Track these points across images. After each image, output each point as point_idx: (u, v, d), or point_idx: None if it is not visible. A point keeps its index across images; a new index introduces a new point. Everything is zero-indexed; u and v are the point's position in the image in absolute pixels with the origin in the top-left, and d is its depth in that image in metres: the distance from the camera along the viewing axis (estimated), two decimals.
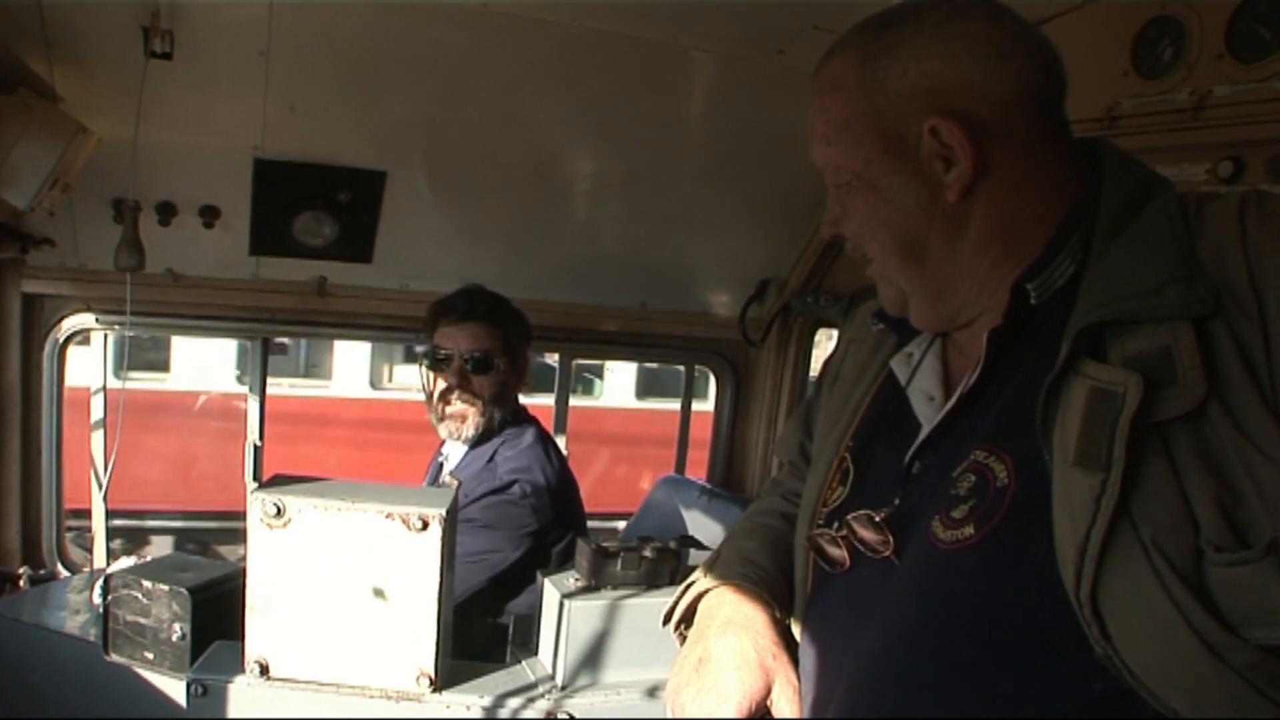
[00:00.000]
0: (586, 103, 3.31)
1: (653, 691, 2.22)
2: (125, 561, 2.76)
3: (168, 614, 2.26)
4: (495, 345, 3.25)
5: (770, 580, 1.65)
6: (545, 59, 3.11)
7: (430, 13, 2.88)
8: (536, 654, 2.36)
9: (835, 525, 1.47)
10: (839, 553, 1.46)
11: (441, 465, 3.51)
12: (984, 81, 1.32)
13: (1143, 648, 1.08)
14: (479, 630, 2.86)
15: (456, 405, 3.26)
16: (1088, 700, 1.13)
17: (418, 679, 2.07)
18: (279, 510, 2.01)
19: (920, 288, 1.41)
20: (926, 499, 1.35)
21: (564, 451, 3.59)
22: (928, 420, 1.42)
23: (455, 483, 3.16)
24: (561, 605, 2.25)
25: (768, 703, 1.50)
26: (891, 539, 1.37)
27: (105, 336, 3.63)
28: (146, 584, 2.27)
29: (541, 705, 2.16)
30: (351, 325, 3.81)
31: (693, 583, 1.72)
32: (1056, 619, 1.14)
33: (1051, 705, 1.16)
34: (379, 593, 2.02)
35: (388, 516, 2.02)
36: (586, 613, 2.24)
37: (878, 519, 1.38)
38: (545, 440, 3.38)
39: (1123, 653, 1.09)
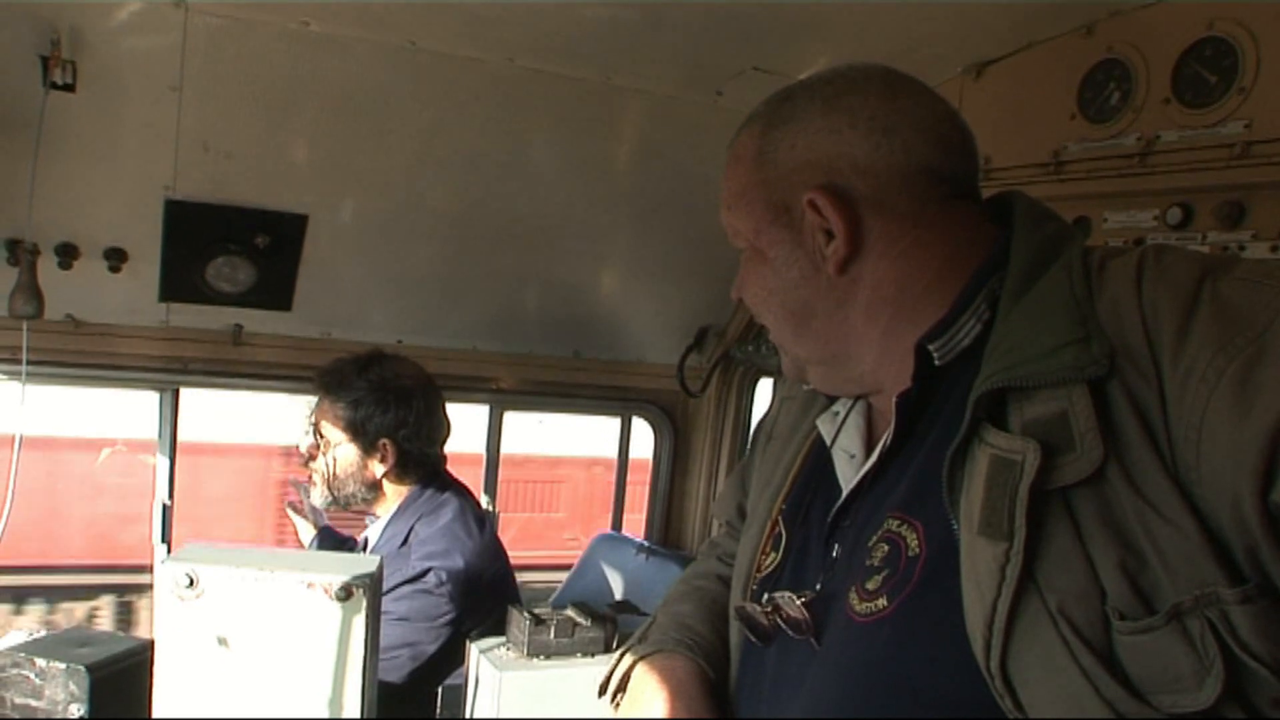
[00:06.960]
0: (517, 145, 3.20)
1: None
2: (16, 636, 2.53)
3: (63, 695, 2.05)
4: (328, 422, 3.14)
5: (706, 646, 1.64)
6: (475, 99, 3.01)
7: (354, 49, 2.75)
8: None
9: (764, 599, 1.44)
10: (766, 626, 1.44)
11: (366, 543, 3.31)
12: (866, 156, 1.34)
13: (1055, 718, 1.07)
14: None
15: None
16: None
17: None
18: (191, 581, 1.84)
19: (815, 355, 1.45)
20: (845, 573, 1.34)
21: (494, 510, 3.44)
22: (847, 481, 1.42)
23: None
24: (486, 675, 2.15)
25: None
26: (812, 622, 1.36)
27: None
28: (40, 662, 2.06)
29: None
30: (270, 376, 3.61)
31: (627, 650, 1.69)
32: (973, 690, 1.12)
33: None
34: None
35: (309, 585, 1.86)
36: (521, 684, 2.13)
37: (799, 602, 1.37)
38: (465, 514, 3.18)
39: None
